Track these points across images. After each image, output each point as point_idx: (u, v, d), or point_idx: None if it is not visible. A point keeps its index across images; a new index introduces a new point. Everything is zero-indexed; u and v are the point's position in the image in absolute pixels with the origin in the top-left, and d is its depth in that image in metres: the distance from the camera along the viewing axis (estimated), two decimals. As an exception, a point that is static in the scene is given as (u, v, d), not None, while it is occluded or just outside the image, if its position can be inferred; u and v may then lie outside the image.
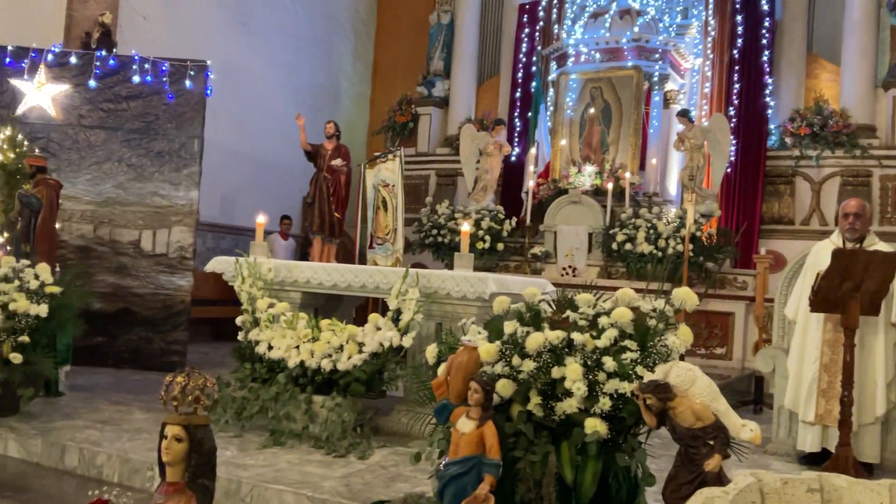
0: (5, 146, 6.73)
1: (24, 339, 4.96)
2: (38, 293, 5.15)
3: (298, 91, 12.88)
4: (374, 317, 5.06)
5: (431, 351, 3.77)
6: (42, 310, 5.03)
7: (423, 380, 3.96)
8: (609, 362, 3.16)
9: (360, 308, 7.11)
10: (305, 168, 9.59)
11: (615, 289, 3.52)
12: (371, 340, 4.92)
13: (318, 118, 10.73)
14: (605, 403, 3.10)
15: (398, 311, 4.99)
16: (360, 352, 4.91)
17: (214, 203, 10.91)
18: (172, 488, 2.11)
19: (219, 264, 5.83)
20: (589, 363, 3.18)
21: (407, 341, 4.88)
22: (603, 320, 3.32)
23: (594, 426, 3.05)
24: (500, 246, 10.27)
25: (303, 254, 10.90)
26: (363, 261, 7.57)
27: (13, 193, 6.35)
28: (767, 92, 10.50)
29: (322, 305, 5.88)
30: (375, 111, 14.49)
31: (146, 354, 7.61)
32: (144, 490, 4.08)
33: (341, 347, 4.95)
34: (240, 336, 5.40)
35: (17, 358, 4.90)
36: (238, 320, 5.43)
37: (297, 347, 5.04)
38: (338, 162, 9.06)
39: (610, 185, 9.83)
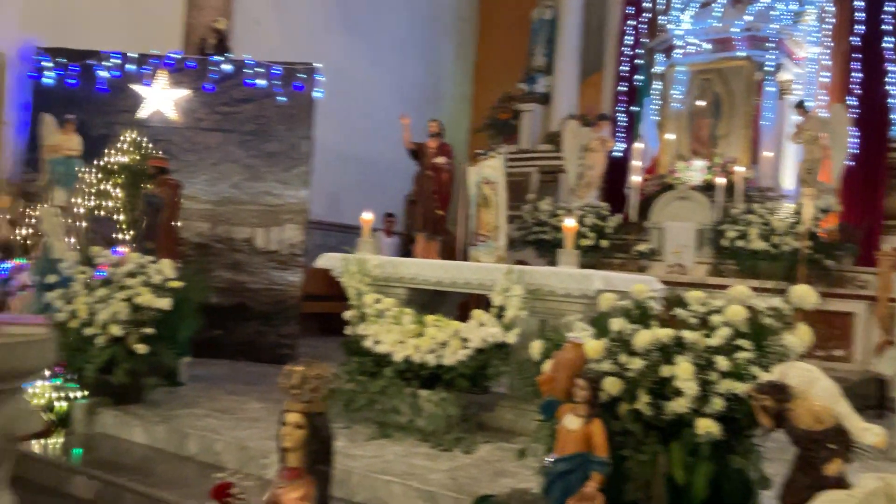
0: (130, 149, 7.17)
1: (149, 330, 5.25)
2: (160, 287, 5.44)
3: (402, 91, 13.08)
4: (477, 313, 5.08)
5: (536, 347, 3.76)
6: (165, 303, 5.31)
7: (527, 376, 3.96)
8: (722, 362, 3.07)
9: (462, 304, 7.15)
10: (409, 166, 9.71)
11: (725, 287, 3.42)
12: (475, 336, 4.95)
13: (420, 117, 10.84)
14: (717, 404, 3.01)
15: (502, 308, 5.00)
16: (465, 347, 4.95)
17: (321, 201, 11.21)
18: (292, 473, 2.20)
19: (327, 260, 6.00)
20: (700, 362, 3.10)
21: (511, 338, 4.88)
22: (715, 318, 3.23)
23: (706, 427, 2.97)
24: (605, 243, 10.10)
25: (406, 251, 11.05)
26: (466, 258, 7.61)
27: (138, 193, 6.75)
28: (891, 80, 9.90)
29: (426, 301, 5.95)
30: (477, 109, 14.54)
31: (260, 347, 7.91)
32: (260, 477, 4.25)
33: (446, 343, 5.00)
34: (347, 330, 5.54)
35: (142, 349, 5.20)
36: (345, 315, 5.57)
37: (403, 342, 5.13)
38: (441, 160, 9.12)
39: (720, 180, 9.51)
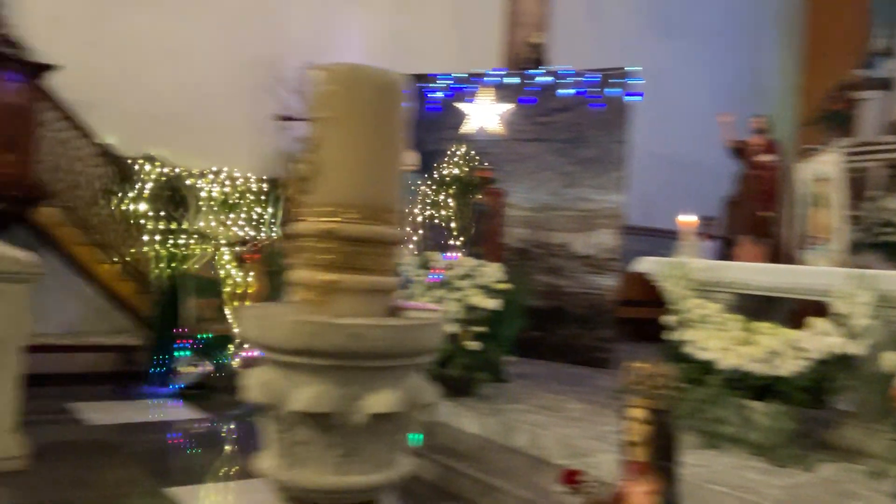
0: (460, 162, 7.74)
1: (481, 329, 5.63)
2: (490, 289, 5.81)
3: (719, 88, 12.53)
4: (816, 321, 4.70)
5: (890, 360, 3.40)
6: (495, 304, 5.67)
7: (879, 391, 3.59)
8: None
9: (795, 312, 6.64)
10: (726, 167, 9.29)
11: None
12: (814, 346, 4.58)
13: (741, 114, 10.31)
14: None
15: (844, 316, 4.56)
16: (801, 358, 4.60)
17: (634, 205, 11.12)
18: (639, 467, 2.25)
19: (646, 264, 5.96)
20: None
21: (858, 349, 4.44)
22: None
23: None
24: (976, 246, 8.69)
25: (725, 255, 10.53)
26: (793, 262, 7.06)
27: (467, 202, 7.28)
28: None
29: (753, 308, 5.63)
30: (806, 101, 13.40)
31: (576, 349, 8.08)
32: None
33: (778, 352, 4.70)
34: (666, 336, 5.44)
35: (474, 346, 5.59)
36: (665, 320, 5.47)
37: (730, 350, 4.91)
38: (767, 158, 8.61)
39: None
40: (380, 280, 2.03)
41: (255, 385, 1.88)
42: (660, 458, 2.21)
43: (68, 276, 7.67)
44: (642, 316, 9.94)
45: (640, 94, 8.25)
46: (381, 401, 1.84)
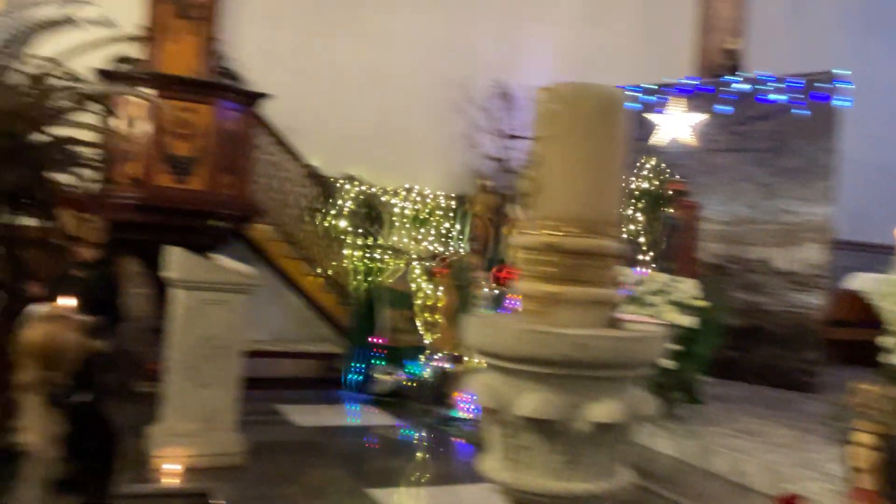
0: (650, 174, 7.56)
1: (675, 347, 5.45)
2: (684, 305, 5.61)
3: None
4: None
5: None
6: (692, 321, 5.47)
7: None
8: None
9: None
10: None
11: None
12: None
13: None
14: None
15: None
16: None
17: (843, 218, 10.31)
18: (865, 495, 2.09)
19: (859, 281, 5.52)
20: None
21: None
22: None
23: None
24: None
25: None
26: None
27: (657, 216, 7.09)
28: None
29: None
30: None
31: (777, 371, 7.60)
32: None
33: None
34: (883, 359, 5.01)
35: (670, 364, 5.41)
36: (881, 342, 5.04)
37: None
38: None
39: None
40: (600, 292, 2.07)
41: (481, 389, 1.97)
42: (890, 486, 2.04)
43: (277, 287, 8.29)
44: (854, 337, 9.18)
45: (850, 99, 7.64)
46: (603, 410, 1.87)
